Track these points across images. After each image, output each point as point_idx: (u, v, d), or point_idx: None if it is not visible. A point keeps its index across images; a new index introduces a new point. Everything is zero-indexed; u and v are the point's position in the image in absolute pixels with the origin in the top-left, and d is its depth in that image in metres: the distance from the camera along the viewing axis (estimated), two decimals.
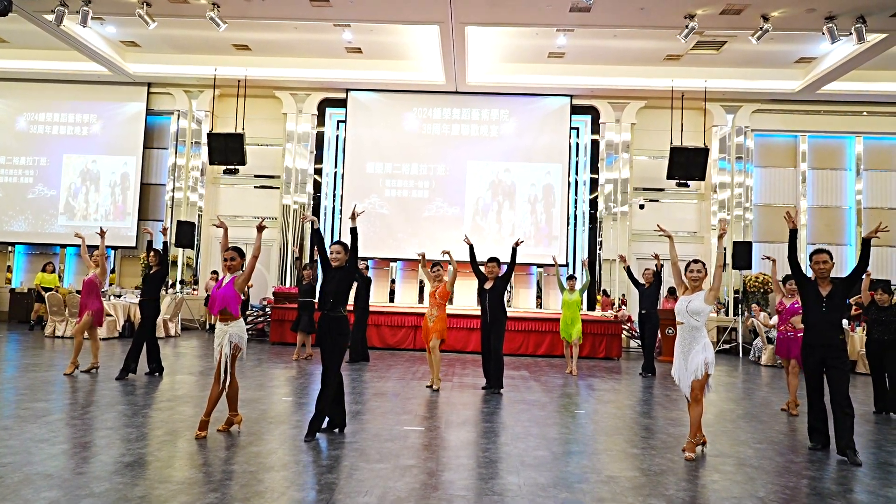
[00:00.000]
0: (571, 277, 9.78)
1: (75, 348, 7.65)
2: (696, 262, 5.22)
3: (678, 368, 5.07)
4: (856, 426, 5.44)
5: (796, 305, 6.83)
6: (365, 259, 13.90)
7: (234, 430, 5.15)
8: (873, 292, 7.21)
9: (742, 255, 13.13)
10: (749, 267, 13.30)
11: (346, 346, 5.22)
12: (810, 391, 5.34)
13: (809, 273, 5.56)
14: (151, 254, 7.82)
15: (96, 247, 8.00)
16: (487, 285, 7.77)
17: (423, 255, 8.25)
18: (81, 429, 5.08)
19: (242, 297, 5.24)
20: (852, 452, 4.91)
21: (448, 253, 7.91)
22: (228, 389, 5.05)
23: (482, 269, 7.85)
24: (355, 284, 9.98)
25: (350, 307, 10.06)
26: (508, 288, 12.46)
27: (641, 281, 9.91)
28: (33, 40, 12.87)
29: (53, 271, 13.39)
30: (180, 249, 14.14)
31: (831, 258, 5.38)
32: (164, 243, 7.73)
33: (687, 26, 10.22)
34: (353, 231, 5.32)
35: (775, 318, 9.65)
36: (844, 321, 10.54)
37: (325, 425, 5.22)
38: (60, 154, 14.71)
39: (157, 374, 7.74)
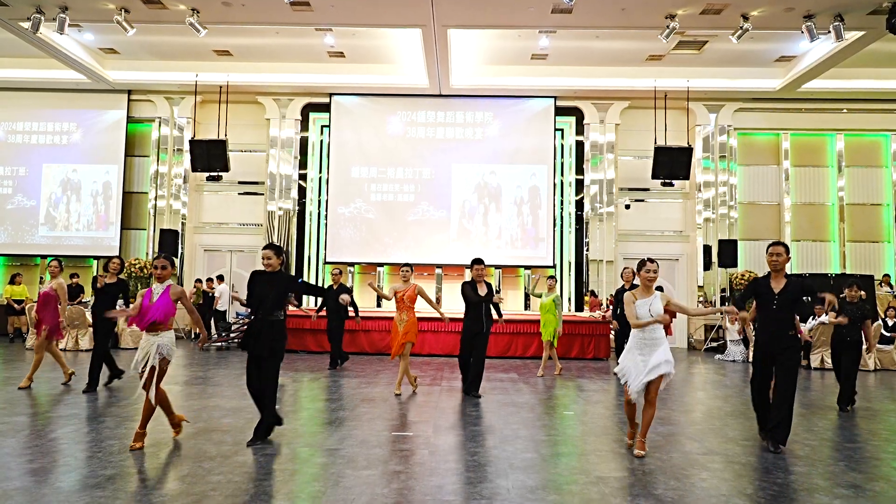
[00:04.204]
0: (552, 277, 9.79)
1: (34, 364, 7.49)
2: (651, 261, 5.00)
3: (634, 367, 4.87)
4: (839, 420, 5.43)
5: None
6: (350, 264, 13.89)
7: (215, 439, 5.07)
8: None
9: (727, 253, 13.20)
10: (735, 265, 13.40)
11: (284, 350, 5.18)
12: (755, 387, 5.29)
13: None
14: (114, 261, 7.70)
15: (59, 259, 8.01)
16: (482, 291, 7.62)
17: (373, 285, 8.17)
18: (61, 442, 4.97)
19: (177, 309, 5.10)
20: (774, 442, 4.95)
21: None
22: (157, 399, 4.89)
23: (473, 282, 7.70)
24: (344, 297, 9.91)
25: (322, 313, 10.02)
26: (496, 290, 12.40)
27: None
28: (9, 48, 12.65)
29: (21, 283, 13.17)
30: None
31: (787, 252, 5.19)
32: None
33: (668, 26, 10.27)
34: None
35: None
36: (811, 320, 10.61)
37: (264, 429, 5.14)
38: (40, 164, 14.47)
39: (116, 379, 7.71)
